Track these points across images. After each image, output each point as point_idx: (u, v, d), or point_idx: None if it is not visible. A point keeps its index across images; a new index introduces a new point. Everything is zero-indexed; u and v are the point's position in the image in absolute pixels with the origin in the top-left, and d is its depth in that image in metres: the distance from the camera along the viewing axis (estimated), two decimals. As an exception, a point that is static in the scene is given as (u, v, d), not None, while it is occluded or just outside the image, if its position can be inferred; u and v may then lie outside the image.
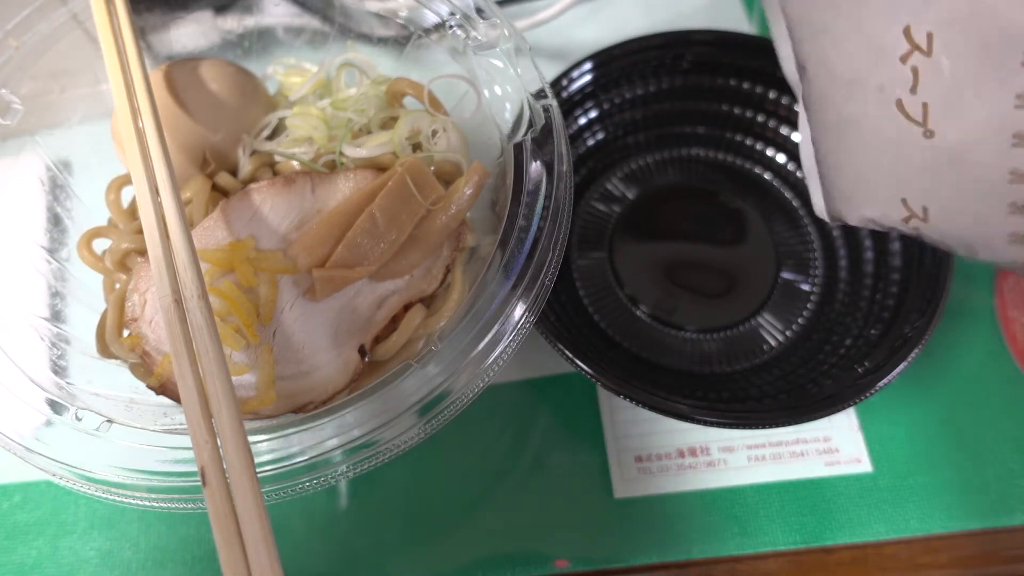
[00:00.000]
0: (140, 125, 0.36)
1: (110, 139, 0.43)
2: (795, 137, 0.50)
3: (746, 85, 0.49)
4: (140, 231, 0.34)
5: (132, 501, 0.31)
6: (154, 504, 0.31)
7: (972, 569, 0.41)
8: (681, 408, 0.39)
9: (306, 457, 0.31)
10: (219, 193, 0.42)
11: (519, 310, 0.33)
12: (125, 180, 0.42)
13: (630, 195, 0.50)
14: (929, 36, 0.31)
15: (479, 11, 0.40)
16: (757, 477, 0.43)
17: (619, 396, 0.39)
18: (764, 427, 0.39)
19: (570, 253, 0.49)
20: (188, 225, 0.34)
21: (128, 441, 0.32)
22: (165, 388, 0.35)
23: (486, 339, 0.32)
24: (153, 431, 0.32)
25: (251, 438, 0.29)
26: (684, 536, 0.42)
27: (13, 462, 0.32)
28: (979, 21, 0.30)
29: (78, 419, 0.32)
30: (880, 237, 0.46)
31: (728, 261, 0.49)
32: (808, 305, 0.47)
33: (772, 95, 0.49)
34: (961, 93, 0.32)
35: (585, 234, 0.49)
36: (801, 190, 0.50)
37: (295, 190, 0.38)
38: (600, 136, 0.50)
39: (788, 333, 0.46)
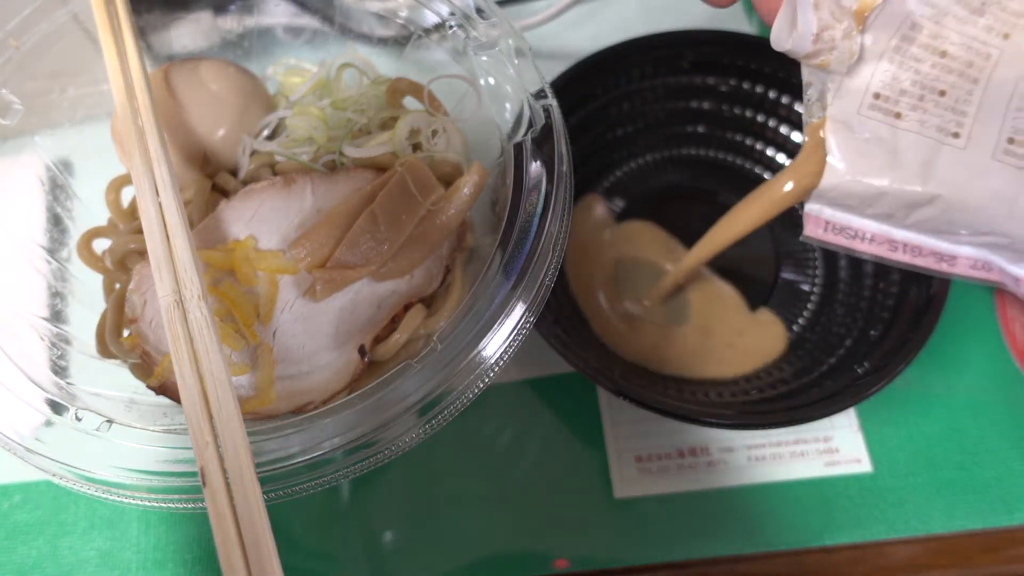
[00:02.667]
0: (140, 125, 0.36)
1: (110, 139, 0.43)
2: (795, 137, 0.49)
3: (746, 85, 0.49)
4: (140, 231, 0.34)
5: (132, 501, 0.31)
6: (154, 504, 0.31)
7: (972, 569, 0.41)
8: (681, 408, 0.39)
9: (306, 457, 0.31)
10: (219, 193, 0.42)
11: (519, 310, 0.33)
12: (125, 180, 0.42)
13: (630, 195, 0.50)
14: None
15: (479, 11, 0.40)
16: (757, 477, 0.43)
17: (619, 396, 0.39)
18: (764, 427, 0.39)
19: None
20: (188, 225, 0.34)
21: (128, 441, 0.32)
22: (165, 388, 0.35)
23: (486, 339, 0.32)
24: (153, 431, 0.32)
25: (251, 438, 0.29)
26: (684, 536, 0.42)
27: (13, 462, 0.32)
28: None
29: (78, 419, 0.32)
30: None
31: (728, 261, 0.48)
32: (808, 305, 0.47)
33: (772, 95, 0.49)
34: None
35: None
36: (801, 190, 0.50)
37: (295, 190, 0.38)
38: (600, 136, 0.50)
39: (788, 333, 0.46)
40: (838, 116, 0.35)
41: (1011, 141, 0.33)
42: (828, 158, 0.36)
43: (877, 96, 0.34)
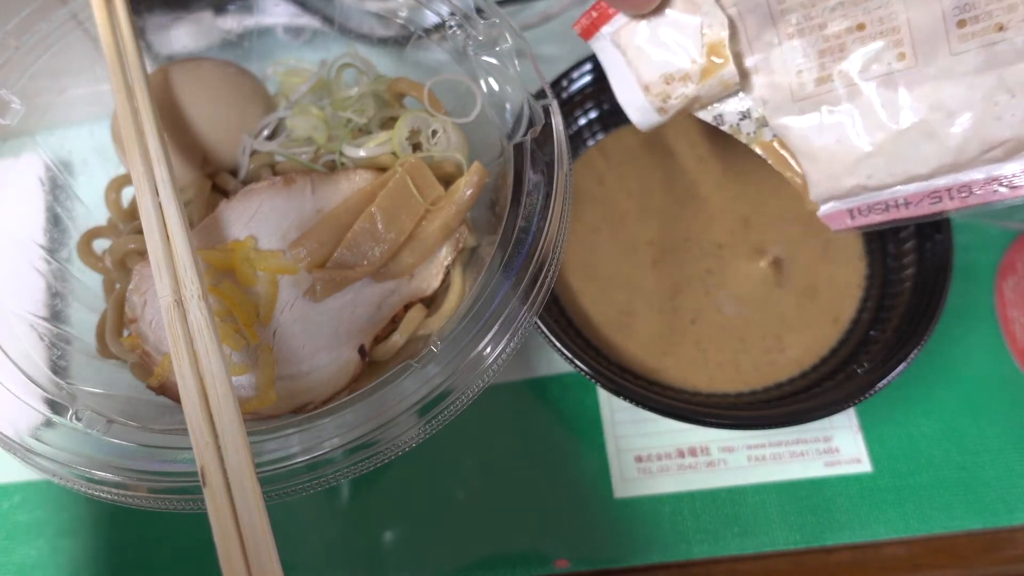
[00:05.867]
0: (140, 125, 0.36)
1: (110, 139, 0.43)
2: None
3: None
4: (140, 231, 0.34)
5: (132, 501, 0.31)
6: (154, 504, 0.31)
7: (972, 569, 0.41)
8: (681, 408, 0.39)
9: (306, 457, 0.31)
10: (219, 193, 0.42)
11: (519, 310, 0.33)
12: (125, 180, 0.42)
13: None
14: None
15: (479, 11, 0.40)
16: (757, 477, 0.43)
17: (619, 396, 0.39)
18: (764, 427, 0.39)
19: (570, 253, 0.48)
20: (188, 225, 0.34)
21: (128, 441, 0.32)
22: (165, 388, 0.35)
23: (486, 339, 0.32)
24: (153, 431, 0.32)
25: (251, 438, 0.29)
26: (684, 536, 0.42)
27: (13, 462, 0.32)
28: None
29: (78, 419, 0.32)
30: (880, 237, 0.46)
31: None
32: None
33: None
34: None
35: (585, 234, 0.49)
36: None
37: (295, 190, 0.38)
38: (600, 136, 0.50)
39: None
40: (782, 127, 0.34)
41: (962, 24, 0.30)
42: (805, 176, 0.35)
43: (800, 74, 0.33)
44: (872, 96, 0.32)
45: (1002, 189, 0.32)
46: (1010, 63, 0.29)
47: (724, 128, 0.36)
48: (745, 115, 0.35)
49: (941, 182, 0.33)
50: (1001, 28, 0.29)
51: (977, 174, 0.32)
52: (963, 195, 0.33)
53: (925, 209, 0.34)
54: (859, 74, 0.32)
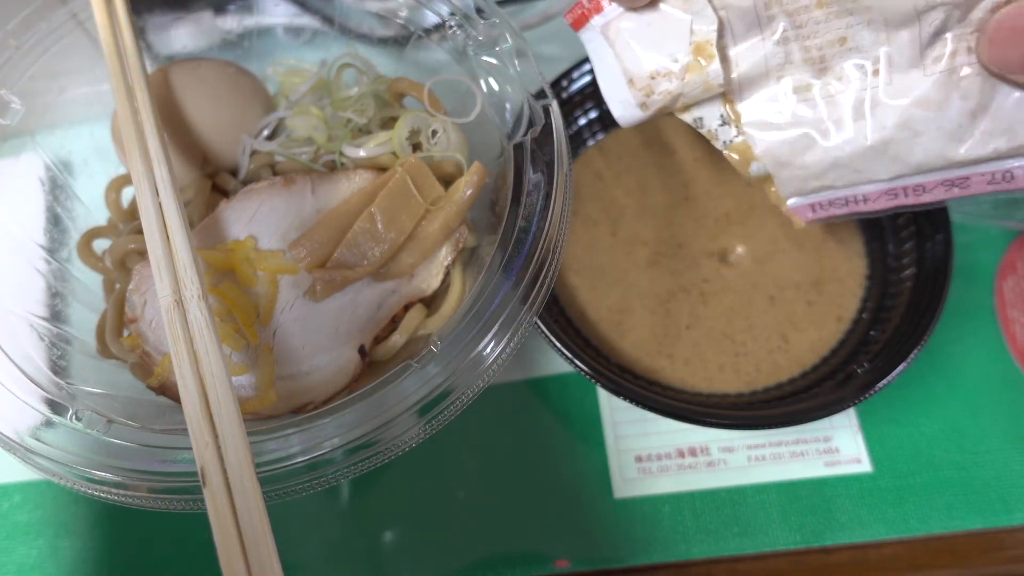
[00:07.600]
0: (140, 125, 0.36)
1: (110, 139, 0.43)
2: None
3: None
4: (140, 231, 0.34)
5: (132, 501, 0.31)
6: (154, 504, 0.31)
7: (972, 569, 0.41)
8: (681, 408, 0.39)
9: (306, 457, 0.31)
10: (219, 193, 0.42)
11: (519, 310, 0.33)
12: (125, 180, 0.42)
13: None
14: None
15: (479, 11, 0.40)
16: (757, 477, 0.43)
17: (619, 396, 0.39)
18: (764, 427, 0.39)
19: (570, 253, 0.48)
20: (188, 225, 0.34)
21: (128, 441, 0.32)
22: (165, 388, 0.35)
23: (486, 339, 0.32)
24: (153, 431, 0.32)
25: (251, 438, 0.29)
26: (684, 536, 0.42)
27: (13, 462, 0.32)
28: None
29: (78, 419, 0.32)
30: (880, 237, 0.46)
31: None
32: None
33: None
34: None
35: (585, 234, 0.49)
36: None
37: (295, 190, 0.38)
38: (600, 136, 0.50)
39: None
40: (757, 132, 0.35)
41: (936, 45, 0.31)
42: (774, 176, 0.36)
43: (781, 81, 0.34)
44: (846, 109, 0.33)
45: (955, 189, 0.34)
46: (973, 86, 0.31)
47: (703, 132, 0.36)
48: (725, 120, 0.36)
49: (898, 181, 0.35)
50: (970, 51, 0.30)
51: (943, 172, 0.34)
52: (917, 193, 0.35)
53: (882, 204, 0.35)
54: (837, 86, 0.33)
